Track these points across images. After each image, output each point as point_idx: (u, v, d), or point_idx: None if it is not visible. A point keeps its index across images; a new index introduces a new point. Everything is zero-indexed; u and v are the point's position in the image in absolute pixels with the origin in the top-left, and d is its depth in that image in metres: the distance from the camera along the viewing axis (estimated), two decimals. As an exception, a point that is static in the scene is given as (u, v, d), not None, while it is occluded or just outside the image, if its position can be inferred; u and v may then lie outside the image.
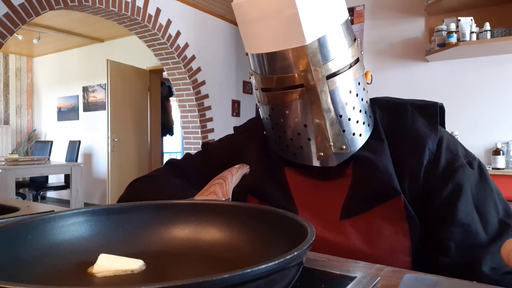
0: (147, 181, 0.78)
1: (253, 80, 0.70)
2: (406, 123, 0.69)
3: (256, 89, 0.69)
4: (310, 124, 0.64)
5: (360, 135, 0.67)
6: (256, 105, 0.76)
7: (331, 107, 0.63)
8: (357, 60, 0.66)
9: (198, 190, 0.67)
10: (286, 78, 0.63)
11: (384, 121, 0.72)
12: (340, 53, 0.63)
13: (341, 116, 0.64)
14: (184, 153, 0.89)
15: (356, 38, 0.69)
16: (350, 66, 0.64)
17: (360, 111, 0.67)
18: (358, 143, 0.67)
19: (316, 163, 0.67)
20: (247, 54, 0.69)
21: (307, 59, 0.60)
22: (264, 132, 0.75)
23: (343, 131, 0.65)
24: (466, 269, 0.56)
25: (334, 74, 0.63)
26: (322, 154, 0.66)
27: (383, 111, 0.73)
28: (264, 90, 0.67)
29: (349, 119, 0.65)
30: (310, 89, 0.62)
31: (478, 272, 0.55)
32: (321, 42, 0.61)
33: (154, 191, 0.73)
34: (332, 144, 0.65)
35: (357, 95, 0.66)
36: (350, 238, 0.63)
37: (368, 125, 0.69)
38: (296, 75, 0.62)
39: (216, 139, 0.89)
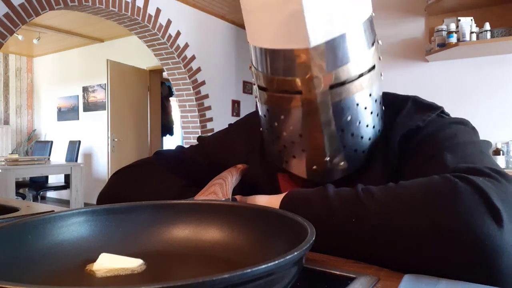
0: (129, 177, 0.73)
1: (253, 72, 0.63)
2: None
3: (254, 84, 0.63)
4: (306, 135, 0.57)
5: (364, 151, 0.60)
6: (256, 102, 0.70)
7: (332, 120, 0.56)
8: (372, 68, 0.57)
9: (181, 186, 0.65)
10: (285, 82, 0.55)
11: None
12: (352, 59, 0.54)
13: (342, 130, 0.57)
14: (176, 146, 0.84)
15: (377, 40, 0.60)
16: (362, 75, 0.56)
17: (367, 126, 0.59)
18: (360, 160, 0.61)
19: (308, 176, 0.61)
20: (248, 43, 0.61)
21: (310, 64, 0.52)
22: (261, 129, 0.69)
23: (344, 147, 0.58)
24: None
25: (339, 84, 0.54)
26: (316, 167, 0.59)
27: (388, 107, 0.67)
28: (261, 88, 0.60)
29: (352, 135, 0.58)
30: (309, 98, 0.54)
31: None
32: (329, 46, 0.52)
33: (135, 189, 0.69)
34: (328, 159, 0.58)
35: (365, 108, 0.58)
36: None
37: (375, 141, 0.62)
38: (296, 80, 0.54)
39: (215, 132, 0.86)
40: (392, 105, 0.66)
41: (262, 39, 0.56)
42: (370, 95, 0.58)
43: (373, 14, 0.60)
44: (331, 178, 0.60)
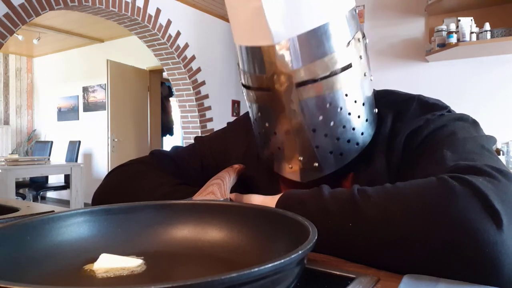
0: (121, 176, 0.73)
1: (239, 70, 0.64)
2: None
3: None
4: (278, 132, 0.58)
5: (342, 154, 0.58)
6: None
7: (301, 119, 0.55)
8: (348, 66, 0.55)
9: (171, 184, 0.64)
10: (257, 78, 0.56)
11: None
12: (321, 57, 0.52)
13: (314, 130, 0.56)
14: (172, 147, 0.84)
15: (357, 38, 0.57)
16: (334, 74, 0.54)
17: (344, 127, 0.57)
18: (338, 162, 0.58)
19: (287, 175, 0.60)
20: None
21: (275, 61, 0.52)
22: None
23: (316, 147, 0.57)
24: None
25: (306, 82, 0.53)
26: (291, 167, 0.59)
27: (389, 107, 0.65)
28: (242, 85, 0.61)
29: (326, 135, 0.56)
30: (277, 96, 0.54)
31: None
32: (293, 43, 0.51)
33: (127, 188, 0.68)
34: (301, 159, 0.58)
35: (341, 108, 0.55)
36: None
37: (357, 144, 0.59)
38: (264, 77, 0.54)
39: (212, 133, 0.85)
40: (396, 105, 0.64)
41: (236, 36, 0.57)
42: (346, 95, 0.56)
43: (355, 11, 0.58)
44: (307, 179, 0.59)
